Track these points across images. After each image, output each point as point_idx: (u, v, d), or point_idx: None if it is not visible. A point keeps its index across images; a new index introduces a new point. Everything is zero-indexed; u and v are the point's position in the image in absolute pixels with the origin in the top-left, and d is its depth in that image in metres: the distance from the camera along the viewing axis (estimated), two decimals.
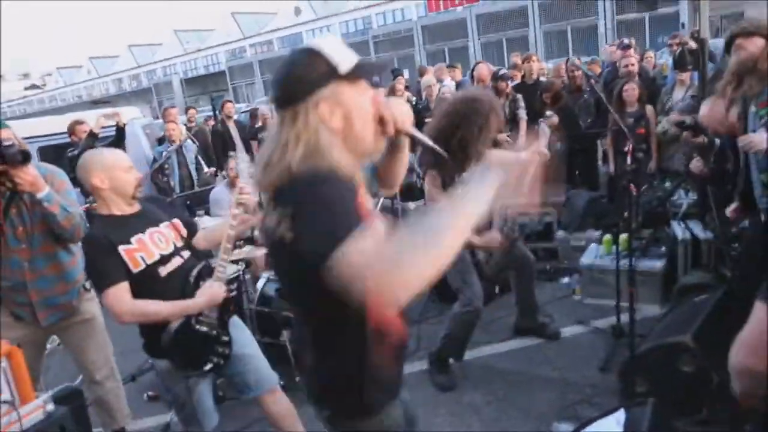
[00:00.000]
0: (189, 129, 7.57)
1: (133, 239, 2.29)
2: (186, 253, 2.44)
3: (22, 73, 71.38)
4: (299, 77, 1.26)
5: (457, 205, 1.11)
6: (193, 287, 2.36)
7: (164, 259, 2.34)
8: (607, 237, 4.40)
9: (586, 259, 4.39)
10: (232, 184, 4.43)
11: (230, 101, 8.52)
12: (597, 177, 6.30)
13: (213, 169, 6.94)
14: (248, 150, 6.77)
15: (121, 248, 2.25)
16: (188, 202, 5.62)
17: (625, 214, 4.93)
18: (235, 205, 2.37)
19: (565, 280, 4.73)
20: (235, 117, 8.70)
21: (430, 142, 1.50)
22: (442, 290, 4.28)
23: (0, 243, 2.60)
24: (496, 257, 3.65)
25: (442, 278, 1.07)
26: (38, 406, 2.05)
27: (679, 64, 4.73)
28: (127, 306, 2.21)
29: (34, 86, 62.42)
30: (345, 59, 1.27)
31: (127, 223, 2.35)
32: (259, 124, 8.18)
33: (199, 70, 37.56)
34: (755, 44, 2.75)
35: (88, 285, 2.89)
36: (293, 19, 37.66)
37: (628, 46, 5.98)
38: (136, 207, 2.42)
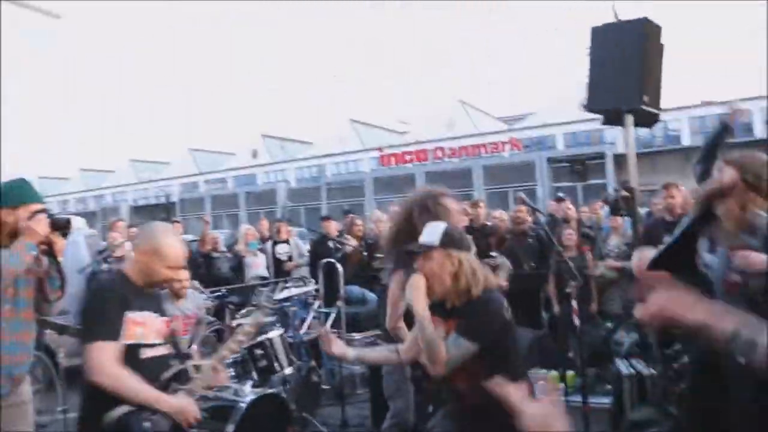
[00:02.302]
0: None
1: (141, 313, 2.19)
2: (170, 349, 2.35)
3: None
4: None
5: None
6: (165, 384, 2.20)
7: (152, 345, 2.23)
8: (554, 373, 4.35)
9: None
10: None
11: (178, 221, 8.50)
12: (540, 319, 6.36)
13: None
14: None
15: (128, 314, 2.13)
16: None
17: (570, 354, 4.98)
18: (240, 335, 2.45)
19: None
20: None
21: None
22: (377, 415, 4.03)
23: None
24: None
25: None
26: None
27: (613, 210, 5.12)
28: (113, 367, 2.05)
29: None
30: None
31: (143, 295, 2.26)
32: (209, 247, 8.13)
33: (150, 200, 37.59)
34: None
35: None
36: (250, 160, 39.08)
37: (563, 199, 6.49)
38: (152, 292, 2.39)
